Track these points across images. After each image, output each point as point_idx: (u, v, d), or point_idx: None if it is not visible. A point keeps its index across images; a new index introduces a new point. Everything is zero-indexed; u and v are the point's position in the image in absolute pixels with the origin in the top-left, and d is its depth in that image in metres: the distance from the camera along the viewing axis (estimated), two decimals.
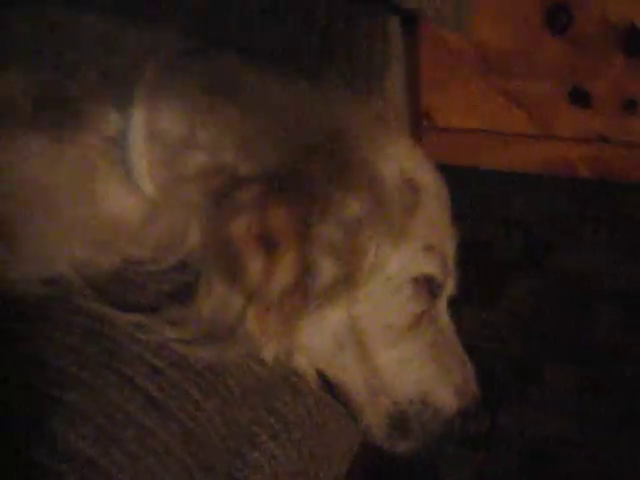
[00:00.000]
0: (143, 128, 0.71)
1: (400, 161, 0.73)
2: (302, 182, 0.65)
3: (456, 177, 0.78)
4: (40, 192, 0.70)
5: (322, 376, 0.77)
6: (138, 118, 0.71)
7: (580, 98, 1.99)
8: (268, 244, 0.64)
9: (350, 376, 0.75)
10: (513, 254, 1.83)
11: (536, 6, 1.94)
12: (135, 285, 0.68)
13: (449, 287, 0.78)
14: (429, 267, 0.74)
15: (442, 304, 0.78)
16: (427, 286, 0.75)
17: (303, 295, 0.67)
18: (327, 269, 0.67)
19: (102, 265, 0.70)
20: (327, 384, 0.78)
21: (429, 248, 0.74)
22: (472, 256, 1.70)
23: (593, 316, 1.62)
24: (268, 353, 0.70)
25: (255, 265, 0.64)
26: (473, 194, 2.00)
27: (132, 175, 0.71)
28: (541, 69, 2.00)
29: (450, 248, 0.77)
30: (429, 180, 0.76)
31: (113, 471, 0.61)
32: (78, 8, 0.75)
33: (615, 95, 1.96)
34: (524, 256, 1.81)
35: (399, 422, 0.77)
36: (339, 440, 0.97)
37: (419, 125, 2.10)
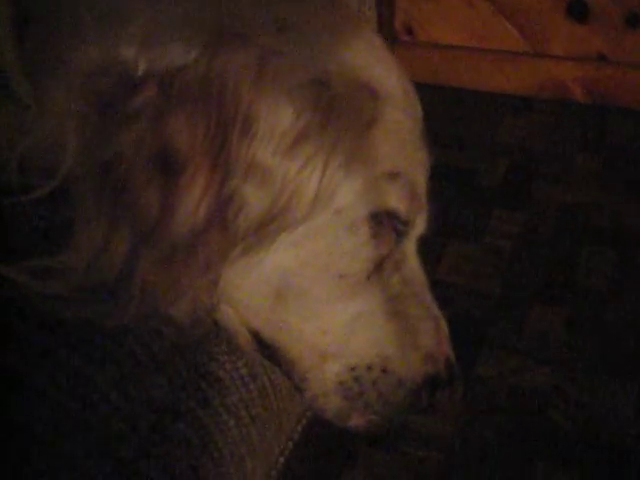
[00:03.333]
0: (12, 10, 0.54)
1: (356, 58, 0.57)
2: (214, 83, 0.48)
3: (437, 98, 0.66)
4: None
5: (257, 336, 0.63)
6: None
7: (578, 12, 1.91)
8: (168, 167, 0.48)
9: (292, 337, 0.62)
10: (497, 184, 1.74)
11: None
12: None
13: (419, 224, 0.63)
14: (393, 199, 0.59)
15: (410, 246, 0.64)
16: (390, 223, 0.60)
17: (222, 235, 0.52)
18: (254, 200, 0.53)
19: None
20: (264, 346, 0.64)
21: (393, 175, 0.58)
22: (452, 185, 1.67)
23: (582, 254, 1.54)
24: (179, 312, 0.54)
25: (150, 196, 0.47)
26: (455, 117, 1.92)
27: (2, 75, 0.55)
28: None
29: (421, 175, 0.61)
30: (395, 86, 0.59)
31: None
32: None
33: (617, 8, 1.87)
34: (509, 186, 1.73)
35: (353, 392, 0.63)
36: (291, 400, 0.87)
37: (396, 39, 1.99)
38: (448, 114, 1.88)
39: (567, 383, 1.30)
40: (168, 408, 0.66)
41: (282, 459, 0.88)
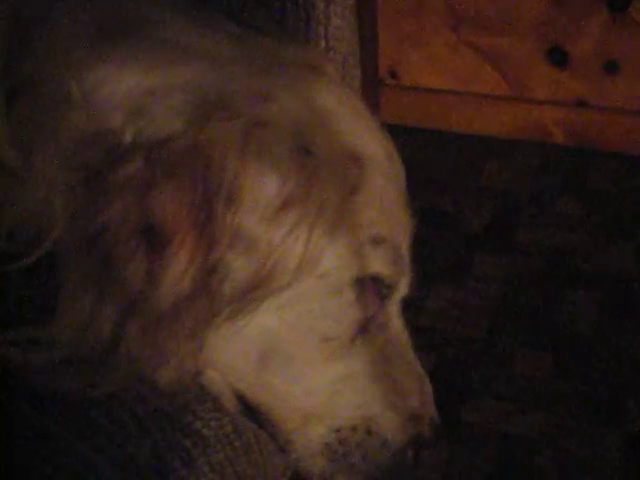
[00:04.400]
0: (0, 80, 0.55)
1: (339, 125, 0.57)
2: (201, 155, 0.49)
3: (421, 141, 0.66)
4: None
5: (242, 399, 0.62)
6: None
7: (558, 58, 1.90)
8: (154, 239, 0.48)
9: (276, 399, 0.61)
10: (481, 228, 1.72)
11: None
12: None
13: (402, 287, 0.63)
14: (377, 265, 0.59)
15: (394, 307, 0.63)
16: (374, 287, 0.59)
17: (207, 303, 0.51)
18: (239, 268, 0.53)
19: None
20: (249, 408, 0.63)
21: (377, 240, 0.58)
22: (436, 229, 1.65)
23: (567, 299, 1.52)
24: (164, 379, 0.53)
25: (135, 267, 0.47)
26: (439, 160, 1.89)
27: None
28: (517, 25, 1.92)
29: (404, 238, 0.61)
30: (378, 152, 0.60)
31: None
32: None
33: (596, 56, 1.87)
34: (493, 230, 1.71)
35: (338, 454, 0.62)
36: (277, 455, 0.85)
37: (379, 83, 1.99)
38: (432, 157, 1.88)
39: (554, 429, 1.28)
40: (153, 470, 0.65)
41: None
